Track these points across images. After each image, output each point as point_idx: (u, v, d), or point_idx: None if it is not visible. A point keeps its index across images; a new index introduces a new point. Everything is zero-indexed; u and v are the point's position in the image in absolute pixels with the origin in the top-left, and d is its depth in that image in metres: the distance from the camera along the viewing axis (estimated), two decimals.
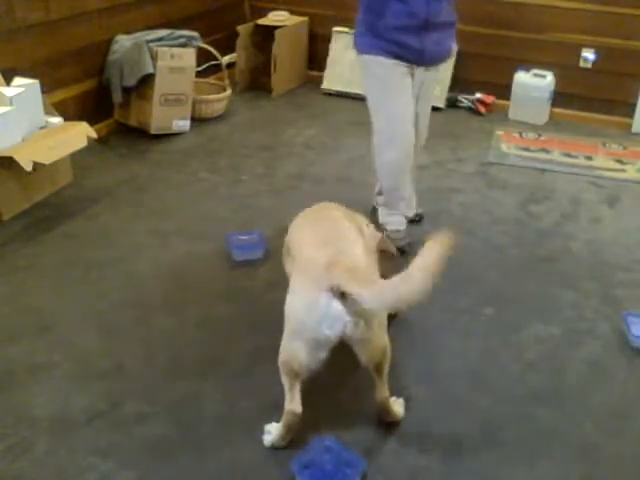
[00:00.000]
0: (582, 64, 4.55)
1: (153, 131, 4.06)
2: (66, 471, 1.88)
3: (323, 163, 3.92)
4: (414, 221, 3.19)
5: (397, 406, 2.11)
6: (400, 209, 3.07)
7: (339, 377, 2.27)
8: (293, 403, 1.92)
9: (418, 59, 2.78)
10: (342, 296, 1.76)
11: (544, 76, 4.58)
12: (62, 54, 3.76)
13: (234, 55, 4.90)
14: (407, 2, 2.63)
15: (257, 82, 5.07)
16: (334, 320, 1.79)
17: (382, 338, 1.96)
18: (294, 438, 1.99)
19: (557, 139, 4.39)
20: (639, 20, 4.42)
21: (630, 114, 4.58)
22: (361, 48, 2.84)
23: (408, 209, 3.13)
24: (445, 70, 4.73)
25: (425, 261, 1.62)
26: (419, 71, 2.85)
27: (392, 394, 2.11)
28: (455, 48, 2.96)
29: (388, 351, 1.99)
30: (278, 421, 1.99)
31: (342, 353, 2.41)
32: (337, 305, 1.77)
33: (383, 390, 2.03)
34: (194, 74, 4.20)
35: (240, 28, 4.85)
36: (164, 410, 2.11)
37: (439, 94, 4.74)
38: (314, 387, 2.22)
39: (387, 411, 2.06)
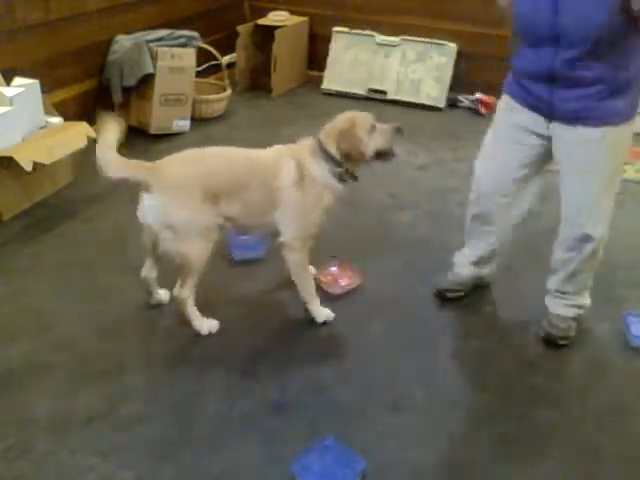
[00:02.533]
0: None
1: (153, 131, 4.06)
2: (66, 471, 1.89)
3: None
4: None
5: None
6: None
7: (339, 377, 2.28)
8: None
9: (548, 112, 2.24)
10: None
11: None
12: (62, 54, 3.76)
13: (234, 55, 4.90)
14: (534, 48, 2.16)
15: (257, 82, 5.07)
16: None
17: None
18: (294, 438, 1.99)
19: None
20: None
21: None
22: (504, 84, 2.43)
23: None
24: (445, 70, 4.75)
25: None
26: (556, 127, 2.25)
27: (391, 393, 2.11)
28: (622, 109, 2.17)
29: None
30: (277, 421, 1.99)
31: (342, 352, 2.42)
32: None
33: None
34: (194, 74, 4.20)
35: (240, 28, 4.85)
36: (164, 410, 2.11)
37: (439, 94, 4.75)
38: (314, 387, 2.23)
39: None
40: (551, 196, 3.60)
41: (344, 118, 2.47)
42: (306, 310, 2.55)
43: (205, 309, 2.59)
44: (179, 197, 2.28)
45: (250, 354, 2.37)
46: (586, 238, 2.33)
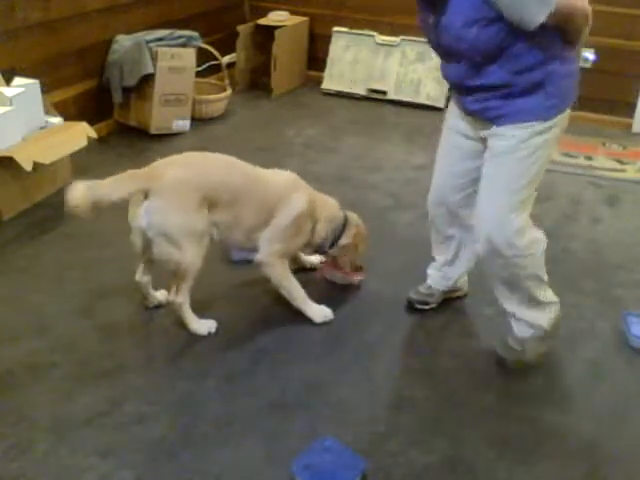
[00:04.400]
0: (582, 64, 4.54)
1: (153, 131, 4.06)
2: (66, 471, 1.88)
3: (323, 163, 3.91)
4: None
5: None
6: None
7: (339, 377, 2.28)
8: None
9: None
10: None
11: None
12: (62, 54, 3.75)
13: (234, 55, 4.90)
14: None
15: (257, 82, 5.07)
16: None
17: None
18: (294, 438, 1.99)
19: None
20: (639, 20, 4.43)
21: (630, 114, 4.58)
22: None
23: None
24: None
25: None
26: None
27: (391, 393, 2.11)
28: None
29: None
30: (277, 421, 1.99)
31: (342, 352, 2.41)
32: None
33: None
34: (194, 74, 4.20)
35: (240, 28, 4.85)
36: (164, 410, 2.11)
37: (439, 94, 4.75)
38: (314, 387, 2.23)
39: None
40: (552, 196, 3.62)
41: (361, 230, 2.66)
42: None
43: (205, 309, 2.59)
44: (177, 202, 2.26)
45: (250, 354, 2.37)
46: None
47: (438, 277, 2.60)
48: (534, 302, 2.27)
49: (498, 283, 2.28)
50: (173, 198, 2.25)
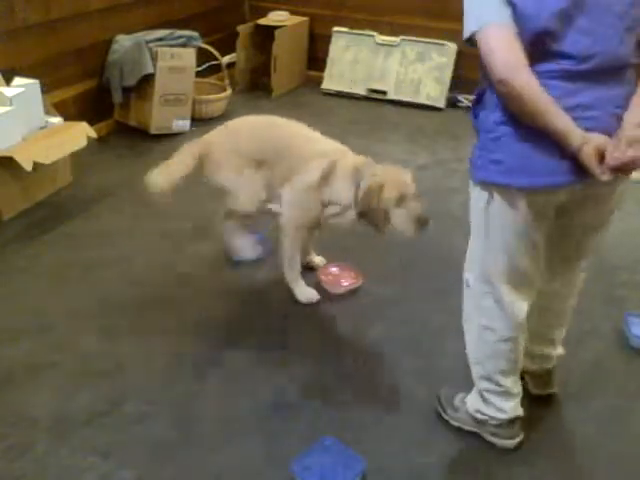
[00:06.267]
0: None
1: (153, 131, 4.06)
2: (66, 471, 1.89)
3: None
4: None
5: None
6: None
7: (339, 377, 2.28)
8: None
9: None
10: None
11: None
12: (62, 54, 3.75)
13: (234, 55, 4.90)
14: None
15: (257, 82, 5.07)
16: None
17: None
18: (294, 438, 1.99)
19: None
20: None
21: None
22: None
23: None
24: (445, 70, 4.75)
25: None
26: None
27: (391, 393, 2.10)
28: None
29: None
30: (277, 421, 1.99)
31: (342, 352, 2.42)
32: None
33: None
34: (194, 74, 4.20)
35: (240, 28, 4.85)
36: (164, 410, 2.11)
37: (439, 94, 4.75)
38: (314, 388, 2.23)
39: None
40: None
41: (386, 176, 2.35)
42: (305, 306, 2.57)
43: (205, 309, 2.59)
44: (218, 162, 2.61)
45: (250, 354, 2.37)
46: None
47: None
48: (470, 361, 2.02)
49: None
50: (215, 159, 2.61)
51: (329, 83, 5.06)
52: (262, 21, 4.97)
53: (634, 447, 2.06)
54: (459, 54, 4.71)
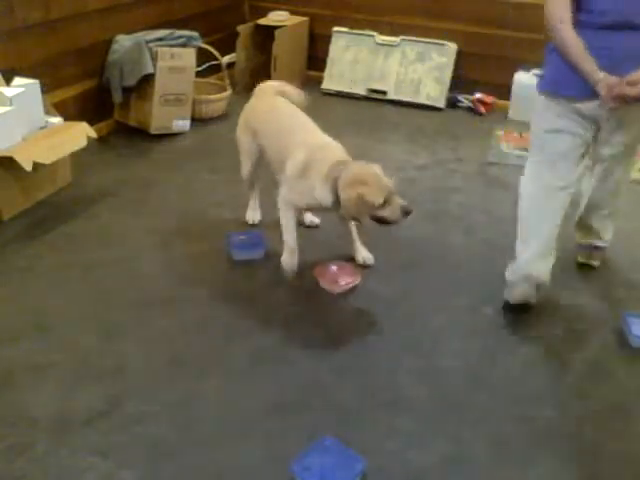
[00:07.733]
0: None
1: (153, 131, 4.05)
2: (66, 471, 1.89)
3: None
4: None
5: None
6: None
7: (339, 377, 2.28)
8: None
9: None
10: None
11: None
12: (62, 54, 3.75)
13: (234, 55, 4.90)
14: None
15: (257, 82, 5.04)
16: None
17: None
18: (294, 438, 1.99)
19: None
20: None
21: None
22: None
23: None
24: (445, 70, 4.75)
25: None
26: None
27: (391, 393, 2.10)
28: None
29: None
30: (277, 421, 1.99)
31: (342, 352, 2.42)
32: None
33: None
34: (194, 74, 4.20)
35: (240, 28, 4.85)
36: (164, 410, 2.11)
37: (439, 94, 4.75)
38: (314, 387, 2.23)
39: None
40: None
41: (365, 177, 2.47)
42: (305, 306, 2.56)
43: (205, 309, 2.59)
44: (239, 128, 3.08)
45: (250, 354, 2.37)
46: None
47: None
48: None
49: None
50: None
51: (329, 83, 5.06)
52: (262, 21, 4.97)
53: (634, 447, 2.06)
54: (459, 54, 4.71)
